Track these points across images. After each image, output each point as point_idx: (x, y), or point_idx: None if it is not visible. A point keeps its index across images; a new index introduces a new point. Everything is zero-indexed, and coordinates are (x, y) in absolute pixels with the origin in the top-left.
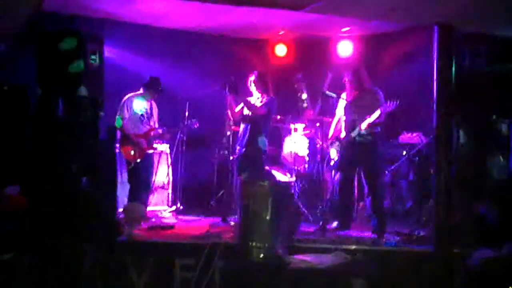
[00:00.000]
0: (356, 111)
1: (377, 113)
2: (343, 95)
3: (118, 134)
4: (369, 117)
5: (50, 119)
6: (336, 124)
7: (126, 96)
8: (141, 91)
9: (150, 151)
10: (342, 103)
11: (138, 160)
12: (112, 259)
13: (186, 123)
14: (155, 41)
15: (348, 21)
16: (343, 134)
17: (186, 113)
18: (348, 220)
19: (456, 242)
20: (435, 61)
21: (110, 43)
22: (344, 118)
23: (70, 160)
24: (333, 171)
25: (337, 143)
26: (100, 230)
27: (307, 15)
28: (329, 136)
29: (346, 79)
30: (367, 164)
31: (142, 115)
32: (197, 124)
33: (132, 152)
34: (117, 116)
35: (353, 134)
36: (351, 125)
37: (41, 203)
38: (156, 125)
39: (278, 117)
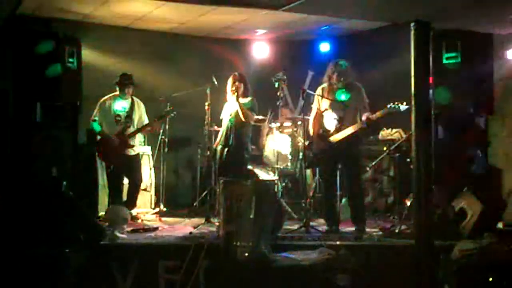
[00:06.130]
0: (343, 108)
1: (384, 111)
2: (321, 90)
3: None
4: (370, 112)
5: (28, 123)
6: (317, 121)
7: (102, 99)
8: (117, 91)
9: (131, 152)
10: (325, 100)
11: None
12: (96, 264)
13: (165, 110)
14: (134, 43)
15: (327, 20)
16: (328, 132)
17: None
18: (336, 219)
19: (437, 235)
20: (412, 58)
21: (88, 45)
22: (329, 114)
23: (49, 164)
24: (317, 169)
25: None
26: (82, 234)
27: (285, 14)
28: (312, 133)
29: (334, 73)
30: (349, 160)
31: (118, 115)
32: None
33: (106, 154)
34: (91, 121)
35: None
36: (337, 122)
37: (20, 207)
38: (144, 122)
39: (260, 116)
